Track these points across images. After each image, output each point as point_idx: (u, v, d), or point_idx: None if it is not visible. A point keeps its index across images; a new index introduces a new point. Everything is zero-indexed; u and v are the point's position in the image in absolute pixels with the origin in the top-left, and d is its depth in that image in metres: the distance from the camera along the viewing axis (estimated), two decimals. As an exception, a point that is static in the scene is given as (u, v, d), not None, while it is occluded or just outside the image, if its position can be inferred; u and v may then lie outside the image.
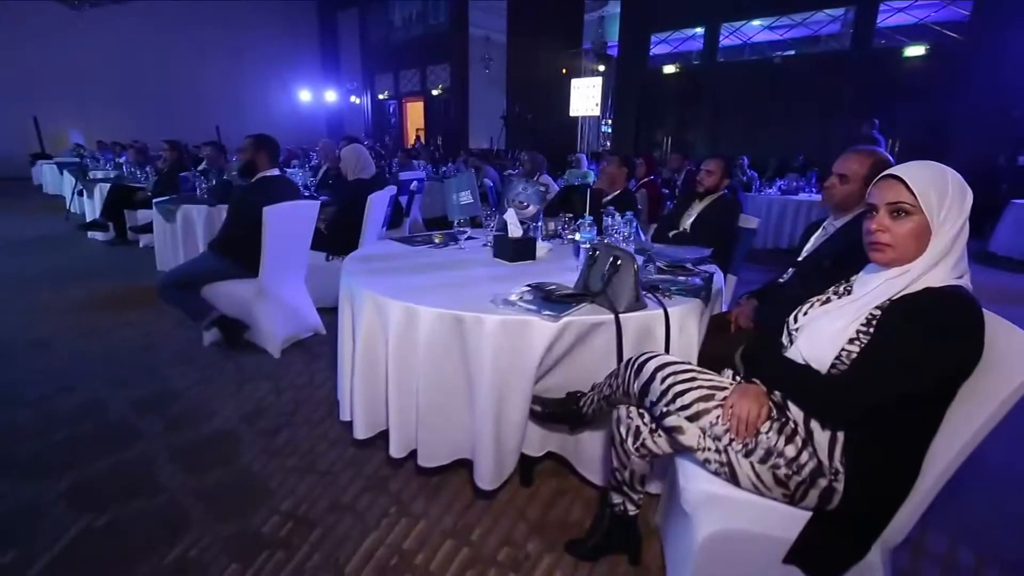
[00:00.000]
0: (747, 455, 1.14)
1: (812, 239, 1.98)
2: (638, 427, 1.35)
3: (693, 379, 1.24)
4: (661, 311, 1.59)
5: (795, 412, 1.16)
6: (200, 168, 5.47)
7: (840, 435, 1.10)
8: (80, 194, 7.02)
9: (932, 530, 1.65)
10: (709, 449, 1.19)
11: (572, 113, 11.31)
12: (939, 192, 1.05)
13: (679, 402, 1.22)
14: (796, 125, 8.78)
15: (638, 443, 1.34)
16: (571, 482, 1.86)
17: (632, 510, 1.45)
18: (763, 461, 1.13)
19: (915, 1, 7.49)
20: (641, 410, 1.35)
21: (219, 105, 14.54)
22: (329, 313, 3.21)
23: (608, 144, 11.49)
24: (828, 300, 1.25)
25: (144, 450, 2.02)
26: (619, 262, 1.55)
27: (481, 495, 1.74)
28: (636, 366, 1.30)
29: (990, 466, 2.00)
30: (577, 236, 2.04)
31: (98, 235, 5.73)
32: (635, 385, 1.29)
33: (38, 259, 5.07)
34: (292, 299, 3.02)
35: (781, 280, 2.01)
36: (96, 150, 9.97)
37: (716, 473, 1.20)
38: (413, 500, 1.77)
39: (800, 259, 1.98)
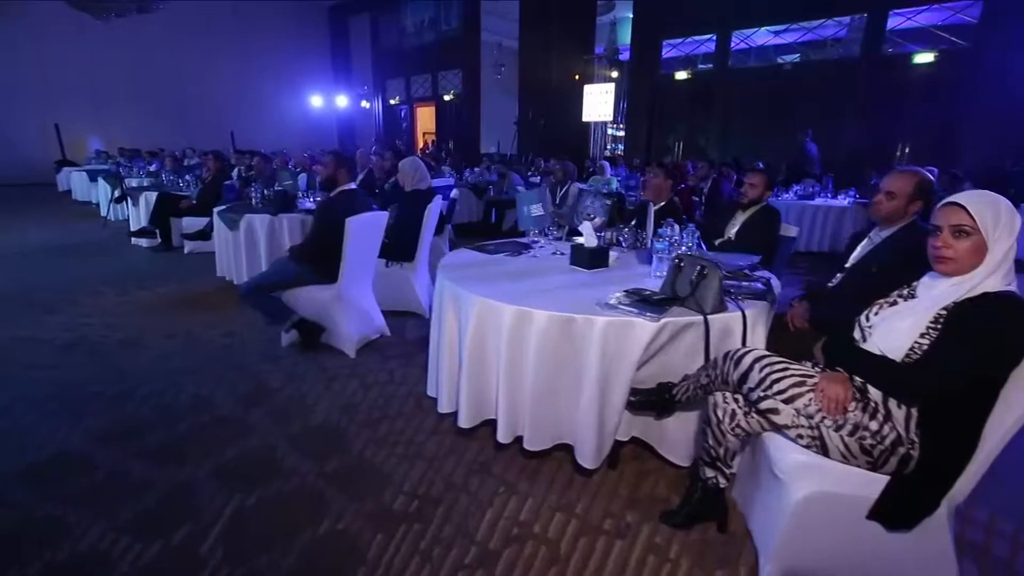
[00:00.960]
0: (837, 430, 1.39)
1: (859, 248, 2.23)
2: (734, 410, 1.59)
3: (786, 369, 1.49)
4: (739, 313, 1.84)
5: (874, 393, 1.41)
6: (243, 177, 5.73)
7: (914, 411, 1.36)
8: (117, 201, 7.26)
9: (977, 502, 1.90)
10: (802, 426, 1.44)
11: (585, 118, 11.58)
12: (993, 216, 1.31)
13: (775, 388, 1.47)
14: (805, 130, 9.04)
15: (734, 423, 1.59)
16: (652, 463, 2.11)
17: (723, 483, 1.70)
18: (851, 434, 1.38)
19: (924, 7, 7.75)
20: (736, 395, 1.60)
21: (233, 111, 14.79)
22: (390, 316, 3.47)
23: (621, 147, 11.75)
24: (895, 302, 1.50)
25: (263, 440, 2.25)
26: (705, 271, 1.80)
27: (582, 473, 1.99)
28: (735, 358, 1.55)
29: None
30: (656, 244, 2.28)
31: (142, 241, 5.97)
32: (734, 374, 1.54)
33: (91, 264, 5.30)
34: (363, 303, 3.26)
35: (830, 284, 2.26)
36: (119, 157, 10.19)
37: (807, 446, 1.45)
38: (517, 480, 2.01)
39: (848, 265, 2.23)
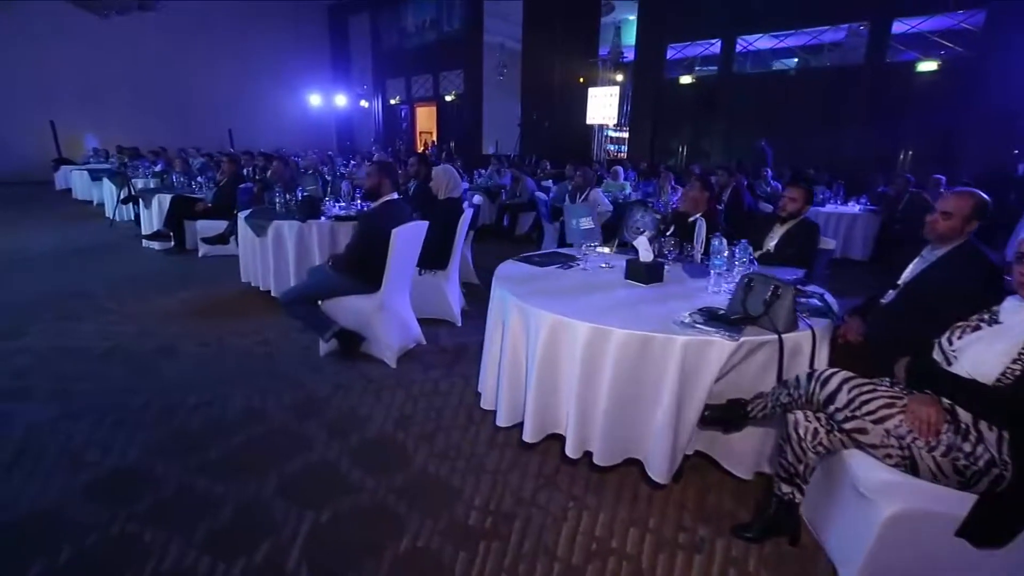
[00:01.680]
0: (931, 451, 1.44)
1: (911, 266, 2.28)
2: (816, 428, 1.63)
3: (874, 390, 1.53)
4: (808, 331, 1.88)
5: (964, 415, 1.46)
6: (261, 180, 5.67)
7: (1006, 433, 1.40)
8: (124, 202, 7.16)
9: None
10: (892, 446, 1.48)
11: (589, 121, 11.63)
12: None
13: (865, 408, 1.51)
14: (808, 136, 9.19)
15: (816, 441, 1.63)
16: (713, 476, 2.14)
17: (799, 498, 1.73)
18: (945, 455, 1.42)
19: (926, 17, 7.90)
20: (819, 414, 1.64)
21: (231, 110, 14.64)
22: (422, 324, 3.46)
23: (624, 148, 11.82)
24: (978, 327, 1.55)
25: (323, 454, 2.25)
26: (779, 290, 1.84)
27: (650, 487, 2.01)
28: (822, 379, 1.59)
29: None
30: (714, 261, 2.31)
31: (154, 244, 5.89)
32: (821, 394, 1.58)
33: (107, 268, 5.23)
34: (403, 312, 3.27)
35: (882, 300, 2.31)
36: (124, 156, 10.05)
37: (895, 465, 1.49)
38: (584, 495, 2.03)
39: (901, 283, 2.28)
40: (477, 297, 3.97)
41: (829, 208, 6.18)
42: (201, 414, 2.53)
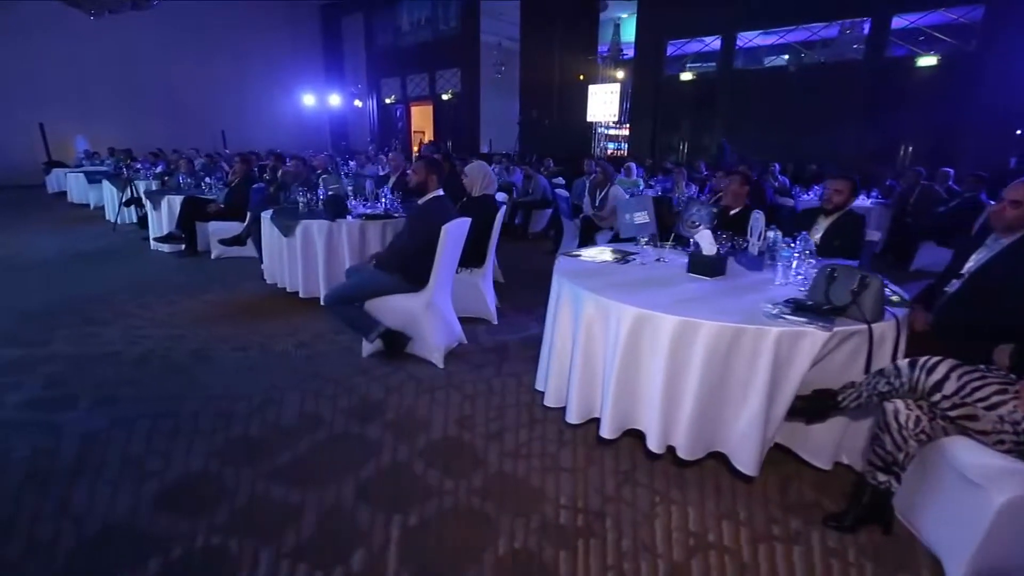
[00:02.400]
0: (1047, 436, 1.45)
1: (975, 255, 2.30)
2: (918, 416, 1.63)
3: (983, 376, 1.54)
4: (893, 320, 1.89)
5: (1075, 401, 1.47)
6: (277, 181, 5.56)
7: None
8: (127, 205, 6.98)
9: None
10: (1006, 432, 1.49)
11: (589, 118, 11.64)
12: None
13: (976, 395, 1.51)
14: (808, 132, 9.31)
15: (918, 429, 1.63)
16: (789, 467, 2.13)
17: (895, 487, 1.74)
18: (1062, 440, 1.44)
19: (926, 12, 8.04)
20: (920, 402, 1.64)
21: (224, 110, 14.37)
22: (461, 323, 3.40)
23: (623, 147, 11.86)
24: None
25: (394, 457, 2.20)
26: (867, 280, 1.84)
27: (736, 478, 2.01)
28: (928, 367, 1.59)
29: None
30: (782, 252, 2.31)
31: (164, 247, 5.75)
32: (927, 382, 1.58)
33: (120, 272, 5.09)
34: (446, 311, 3.22)
35: (947, 289, 2.33)
36: (127, 159, 9.81)
37: (1008, 451, 1.50)
38: (668, 489, 2.02)
39: (965, 272, 2.30)
40: (505, 295, 3.92)
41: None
42: (257, 420, 2.46)
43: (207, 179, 6.17)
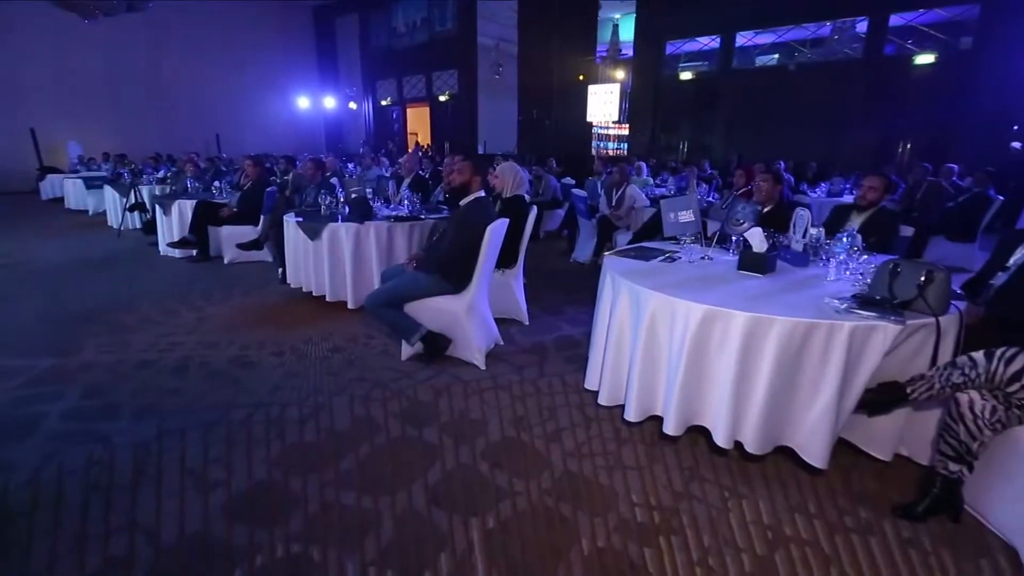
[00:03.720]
0: None
1: (1020, 248, 2.36)
2: (994, 406, 1.67)
3: (1063, 365, 1.58)
4: (956, 313, 1.93)
5: None
6: (294, 184, 5.52)
7: None
8: (131, 210, 6.86)
9: None
10: (1088, 419, 1.53)
11: (589, 119, 11.69)
12: None
13: (1056, 385, 1.55)
14: (807, 130, 9.45)
15: (994, 419, 1.67)
16: (847, 458, 2.16)
17: (966, 475, 1.78)
18: None
19: (922, 11, 8.20)
20: (996, 392, 1.68)
21: (217, 114, 14.19)
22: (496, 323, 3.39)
23: (624, 146, 11.92)
24: None
25: (457, 460, 2.19)
26: (933, 274, 1.88)
27: (801, 472, 2.04)
28: (1007, 358, 1.63)
29: None
30: (835, 248, 2.34)
31: (175, 252, 5.67)
32: (1005, 373, 1.62)
33: (135, 278, 5.01)
34: (485, 312, 3.22)
35: (992, 282, 2.39)
36: (113, 162, 9.67)
37: (1086, 439, 1.55)
38: (735, 484, 2.04)
39: (1011, 264, 2.35)
40: (529, 296, 3.88)
41: (849, 199, 6.35)
42: (310, 426, 2.44)
43: (216, 183, 6.09)
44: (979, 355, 1.70)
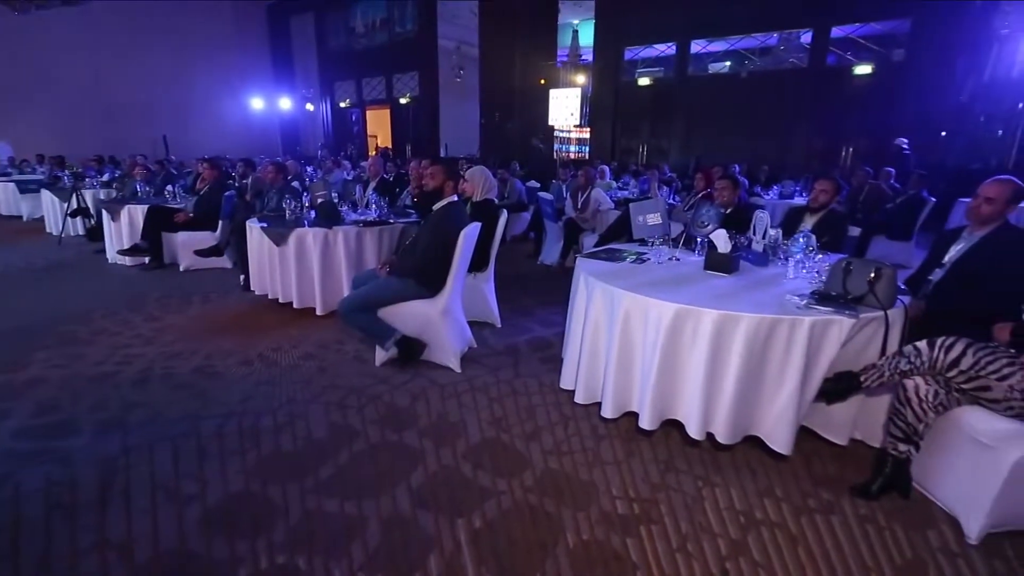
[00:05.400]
0: (1050, 400, 1.67)
1: (954, 247, 2.57)
2: (936, 391, 1.84)
3: (993, 351, 1.75)
4: (901, 307, 2.10)
5: (1069, 368, 1.71)
6: (255, 189, 5.35)
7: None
8: (73, 216, 6.47)
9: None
10: (1015, 399, 1.70)
11: (551, 122, 11.86)
12: None
13: (990, 368, 1.72)
14: (759, 135, 9.92)
15: (937, 402, 1.83)
16: (809, 444, 2.30)
17: (914, 455, 1.94)
18: (1061, 403, 1.66)
19: (861, 24, 8.80)
20: (938, 377, 1.84)
21: (164, 114, 13.52)
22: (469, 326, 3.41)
23: (586, 150, 12.16)
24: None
25: (439, 462, 2.21)
26: (882, 271, 2.04)
27: (767, 460, 2.17)
28: (946, 346, 1.79)
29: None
30: (792, 248, 2.50)
31: (125, 260, 5.39)
32: (946, 359, 1.78)
33: (84, 288, 4.74)
34: (459, 316, 3.23)
35: (931, 278, 2.60)
36: (39, 164, 9.08)
37: (1016, 416, 1.72)
38: (708, 474, 2.14)
39: (947, 261, 2.57)
40: (499, 299, 3.91)
41: (800, 200, 6.71)
42: (287, 435, 2.40)
43: (169, 186, 5.83)
44: (923, 344, 1.86)
